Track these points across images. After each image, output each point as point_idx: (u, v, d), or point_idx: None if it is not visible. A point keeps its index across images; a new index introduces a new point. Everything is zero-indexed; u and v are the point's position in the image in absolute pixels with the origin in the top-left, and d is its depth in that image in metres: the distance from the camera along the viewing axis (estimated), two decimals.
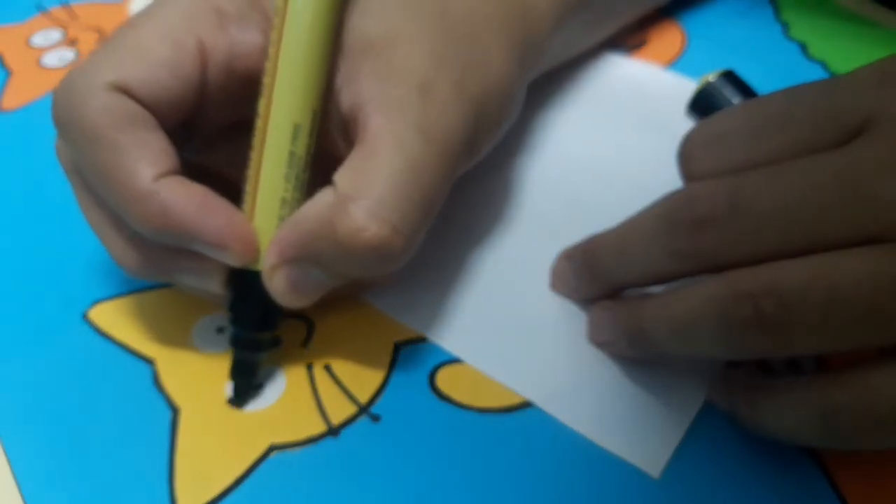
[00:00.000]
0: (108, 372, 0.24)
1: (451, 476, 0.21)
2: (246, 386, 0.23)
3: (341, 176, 0.20)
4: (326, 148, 0.22)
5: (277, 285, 0.21)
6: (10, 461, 0.22)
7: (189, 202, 0.20)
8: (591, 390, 0.23)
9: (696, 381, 0.23)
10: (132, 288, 0.26)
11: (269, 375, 0.23)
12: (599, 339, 0.24)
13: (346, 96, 0.21)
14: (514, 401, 0.23)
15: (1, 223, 0.28)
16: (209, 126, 0.23)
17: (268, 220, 0.21)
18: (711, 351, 0.20)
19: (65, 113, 0.20)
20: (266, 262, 0.21)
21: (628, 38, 0.36)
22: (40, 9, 0.39)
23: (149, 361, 0.24)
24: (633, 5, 0.35)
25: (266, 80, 0.21)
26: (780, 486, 0.21)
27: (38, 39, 0.37)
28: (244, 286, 0.21)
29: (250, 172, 0.21)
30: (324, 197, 0.20)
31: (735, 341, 0.19)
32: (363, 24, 0.22)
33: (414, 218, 0.20)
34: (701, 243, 0.19)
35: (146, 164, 0.20)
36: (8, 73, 0.35)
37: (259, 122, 0.21)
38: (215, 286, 0.22)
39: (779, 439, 0.20)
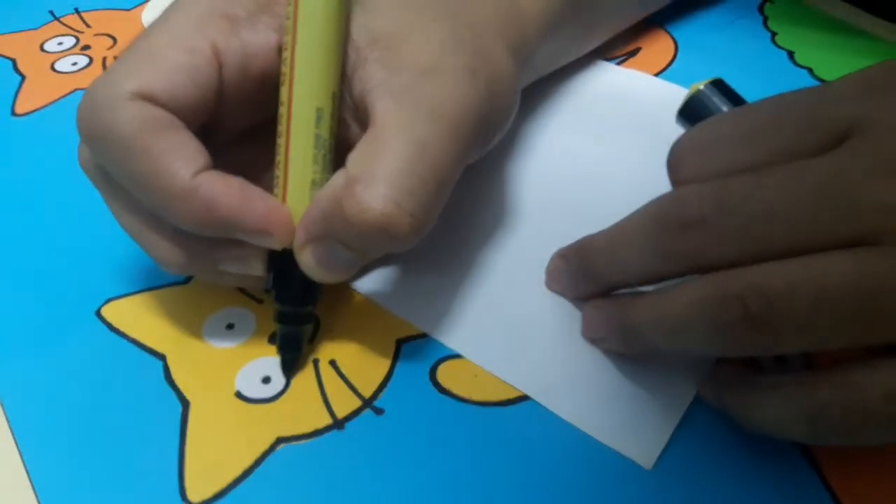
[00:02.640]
0: (120, 367, 0.24)
1: (452, 466, 0.22)
2: (293, 359, 0.24)
3: (352, 158, 0.20)
4: (343, 135, 0.23)
5: (306, 262, 0.21)
6: (22, 453, 0.22)
7: (231, 193, 0.20)
8: (586, 384, 0.23)
9: (687, 375, 0.23)
10: (144, 286, 0.26)
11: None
12: (593, 337, 0.24)
13: (356, 84, 0.22)
14: (512, 394, 0.23)
15: (15, 225, 0.29)
16: (225, 131, 0.23)
17: (301, 201, 0.22)
18: (701, 349, 0.20)
19: (92, 126, 0.20)
20: (295, 241, 0.21)
21: (620, 48, 0.36)
22: (54, 16, 0.39)
23: (160, 357, 0.24)
24: (621, 16, 0.35)
25: (285, 69, 0.21)
26: (770, 477, 0.21)
27: (51, 45, 0.37)
28: (285, 265, 0.22)
29: (278, 158, 0.22)
30: (337, 178, 0.20)
31: (724, 340, 0.19)
32: (368, 20, 0.22)
33: (422, 196, 0.20)
34: (689, 244, 0.19)
35: (183, 163, 0.20)
36: (21, 78, 0.35)
37: (282, 110, 0.21)
38: (258, 269, 0.22)
39: (768, 435, 0.20)
